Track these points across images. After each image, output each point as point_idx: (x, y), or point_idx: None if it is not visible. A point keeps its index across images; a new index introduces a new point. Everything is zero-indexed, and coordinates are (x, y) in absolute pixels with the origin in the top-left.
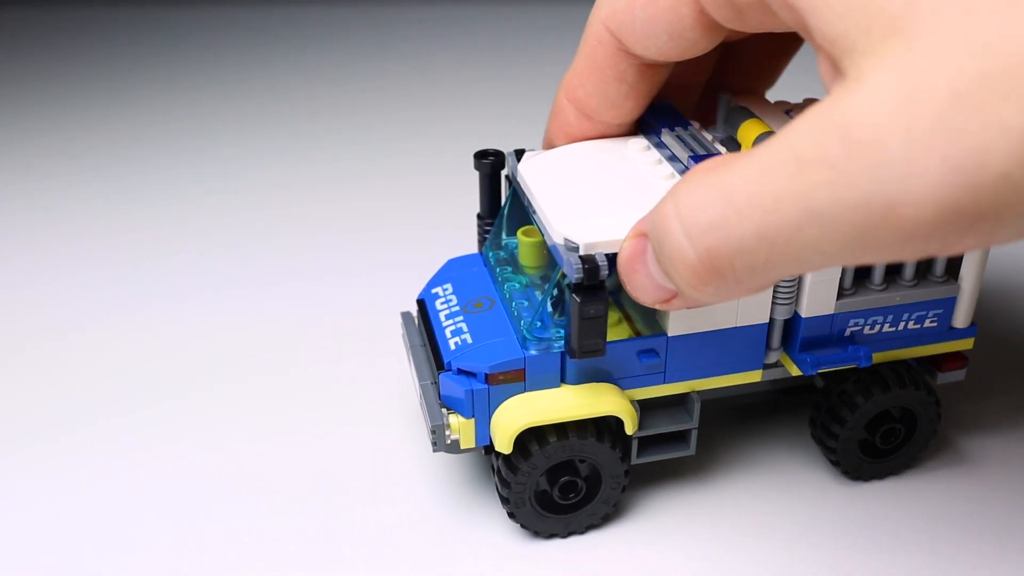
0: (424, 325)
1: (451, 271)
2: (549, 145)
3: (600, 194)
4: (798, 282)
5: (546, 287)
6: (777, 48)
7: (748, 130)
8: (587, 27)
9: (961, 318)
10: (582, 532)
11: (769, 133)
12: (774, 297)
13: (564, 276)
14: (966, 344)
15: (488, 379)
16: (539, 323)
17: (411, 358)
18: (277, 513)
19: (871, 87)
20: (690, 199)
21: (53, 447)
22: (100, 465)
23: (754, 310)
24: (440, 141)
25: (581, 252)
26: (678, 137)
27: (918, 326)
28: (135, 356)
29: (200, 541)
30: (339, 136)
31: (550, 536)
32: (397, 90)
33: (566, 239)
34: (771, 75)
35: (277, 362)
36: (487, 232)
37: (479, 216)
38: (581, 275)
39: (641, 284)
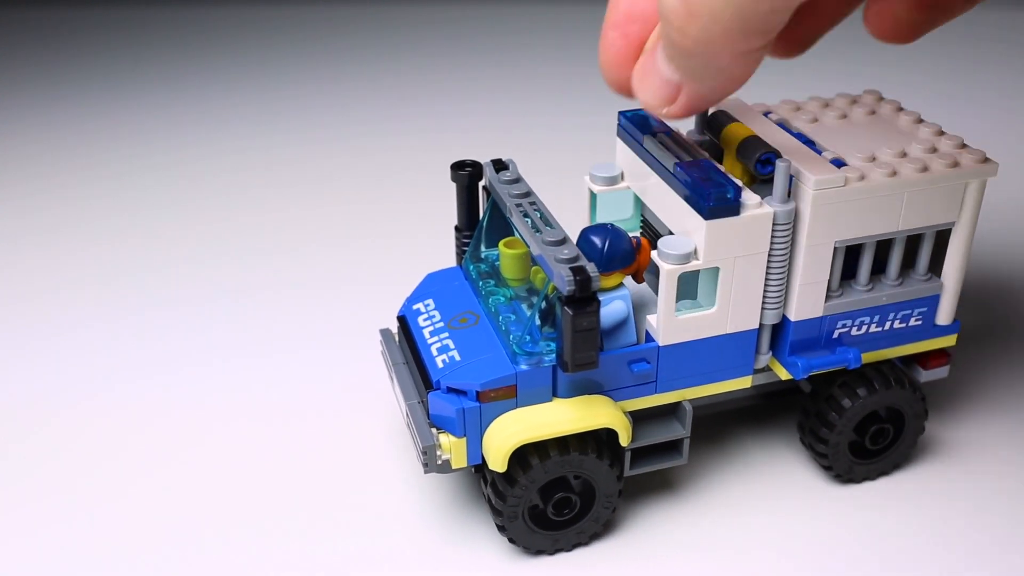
0: (407, 342)
1: (432, 286)
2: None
3: None
4: (786, 286)
5: (534, 300)
6: None
7: (732, 133)
8: None
9: (944, 315)
10: (569, 549)
11: (753, 137)
12: (764, 301)
13: (554, 289)
14: (949, 341)
15: (480, 396)
16: (528, 337)
17: (394, 376)
18: (262, 536)
19: None
20: None
21: (47, 453)
22: (83, 487)
23: (744, 316)
24: (411, 152)
25: None
26: (660, 143)
27: (903, 325)
28: (112, 363)
29: (186, 565)
30: (305, 145)
31: (538, 553)
32: (367, 97)
33: None
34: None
35: (253, 378)
36: (466, 245)
37: (457, 228)
38: (573, 287)
39: (648, 85)
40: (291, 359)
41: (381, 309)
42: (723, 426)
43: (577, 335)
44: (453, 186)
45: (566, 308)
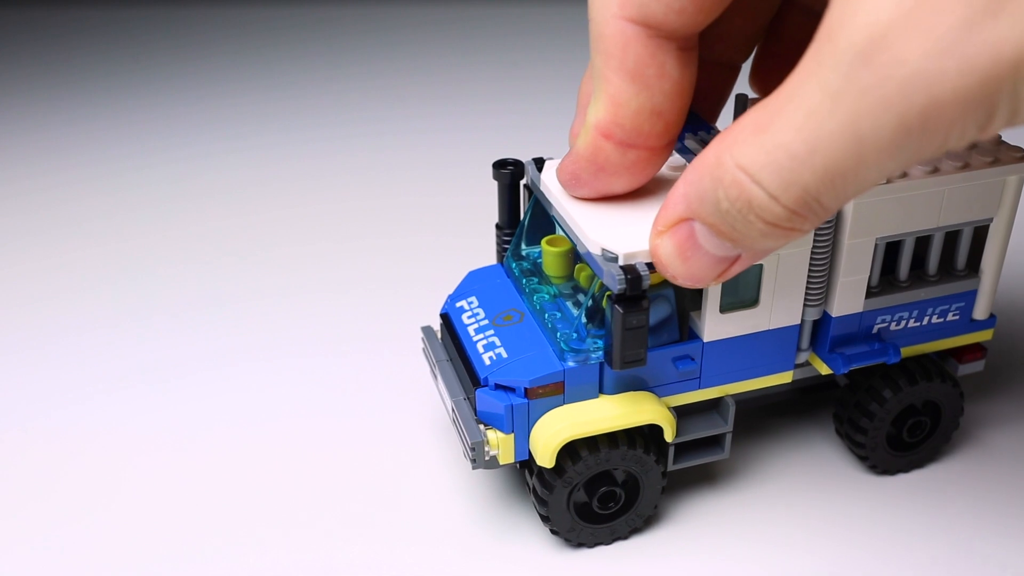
0: (451, 339)
1: (474, 283)
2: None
3: (631, 202)
4: (828, 283)
5: (581, 297)
6: (754, 15)
7: None
8: (598, 40)
9: (981, 310)
10: (608, 543)
11: None
12: (806, 298)
13: (602, 287)
14: (986, 335)
15: (528, 393)
16: (575, 335)
17: (438, 374)
18: (306, 533)
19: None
20: (757, 162)
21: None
22: (119, 487)
23: (786, 313)
24: (450, 148)
25: (621, 262)
26: (702, 141)
27: (941, 320)
28: (143, 358)
29: (233, 558)
30: (345, 141)
31: (579, 545)
32: (408, 94)
33: (604, 249)
34: (747, 47)
35: (296, 378)
36: (507, 242)
37: (498, 226)
38: (624, 286)
39: (699, 266)
40: (333, 359)
41: (419, 307)
42: (758, 419)
43: (627, 333)
44: (492, 185)
45: (616, 306)
